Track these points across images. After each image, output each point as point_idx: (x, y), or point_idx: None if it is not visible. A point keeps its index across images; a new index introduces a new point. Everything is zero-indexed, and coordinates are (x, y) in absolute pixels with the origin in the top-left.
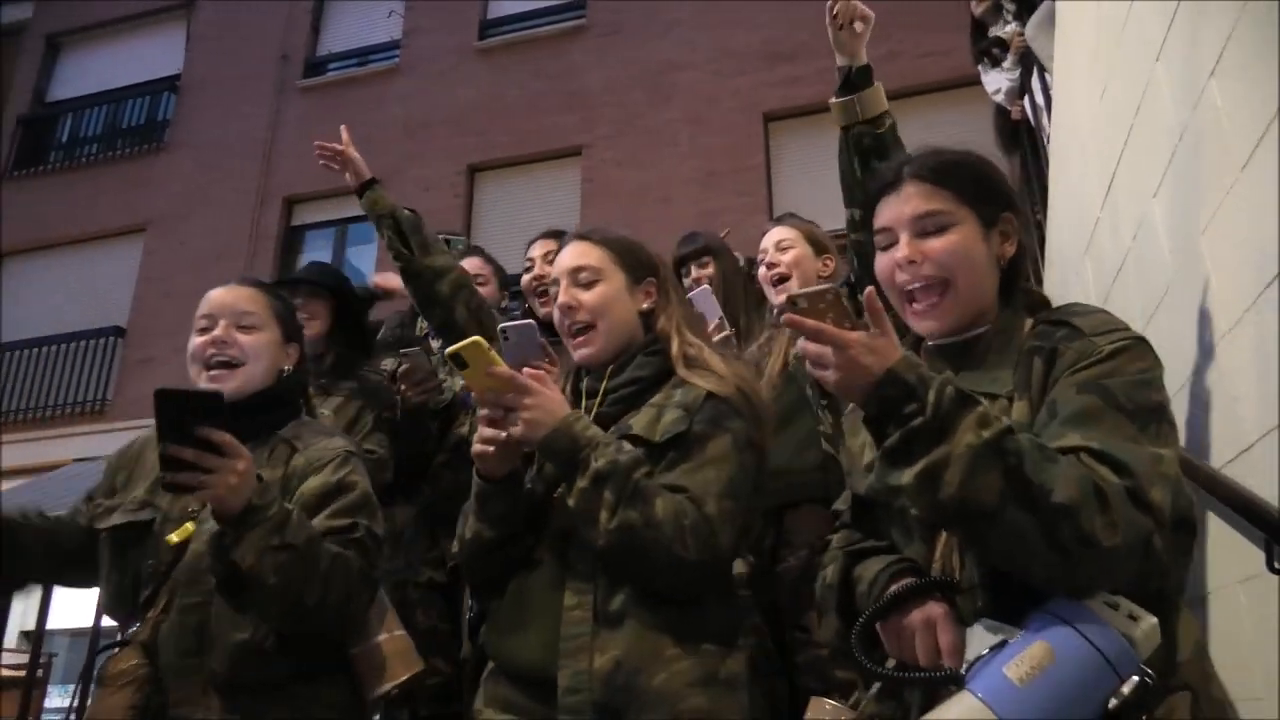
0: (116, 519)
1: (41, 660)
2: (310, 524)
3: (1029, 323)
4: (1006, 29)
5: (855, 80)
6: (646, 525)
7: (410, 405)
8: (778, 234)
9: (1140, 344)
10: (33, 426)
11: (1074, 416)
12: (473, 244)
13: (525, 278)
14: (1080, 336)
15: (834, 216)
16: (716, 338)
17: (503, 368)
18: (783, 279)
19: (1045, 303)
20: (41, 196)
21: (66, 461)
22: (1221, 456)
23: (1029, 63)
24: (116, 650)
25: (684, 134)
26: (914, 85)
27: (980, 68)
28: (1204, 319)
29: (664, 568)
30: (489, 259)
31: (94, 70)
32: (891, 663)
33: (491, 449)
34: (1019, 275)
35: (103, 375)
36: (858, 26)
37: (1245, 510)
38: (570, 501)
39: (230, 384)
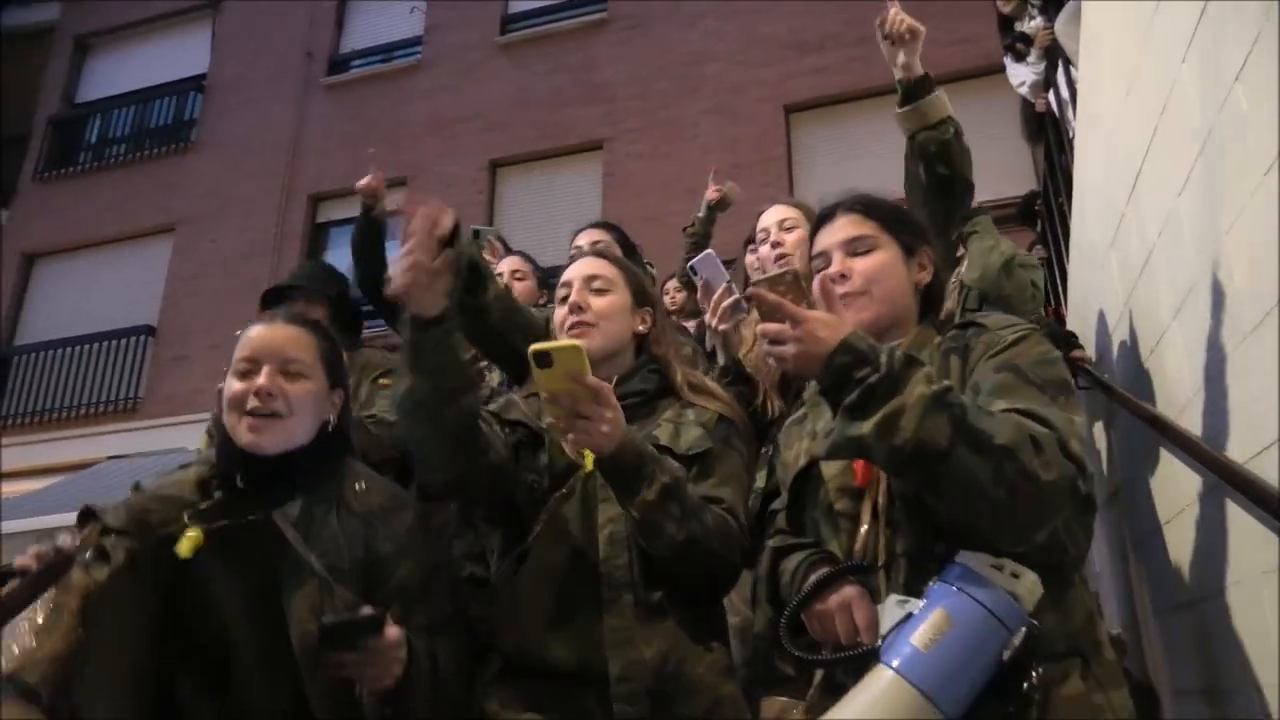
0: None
1: None
2: (444, 649)
3: (937, 338)
4: (1031, 24)
5: (913, 90)
6: (705, 535)
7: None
8: (779, 212)
9: (1037, 332)
10: (67, 425)
11: (995, 389)
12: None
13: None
14: (986, 331)
15: None
16: (726, 302)
17: (592, 377)
18: (783, 257)
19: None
20: (71, 198)
21: (101, 459)
22: (1243, 452)
23: (1054, 57)
24: None
25: (707, 126)
26: (943, 73)
27: (1006, 60)
28: (1228, 317)
29: (714, 571)
30: (528, 257)
31: (121, 71)
32: (822, 653)
33: (421, 281)
34: (936, 301)
35: (134, 374)
36: (908, 39)
37: (1267, 504)
38: (634, 512)
39: (272, 438)
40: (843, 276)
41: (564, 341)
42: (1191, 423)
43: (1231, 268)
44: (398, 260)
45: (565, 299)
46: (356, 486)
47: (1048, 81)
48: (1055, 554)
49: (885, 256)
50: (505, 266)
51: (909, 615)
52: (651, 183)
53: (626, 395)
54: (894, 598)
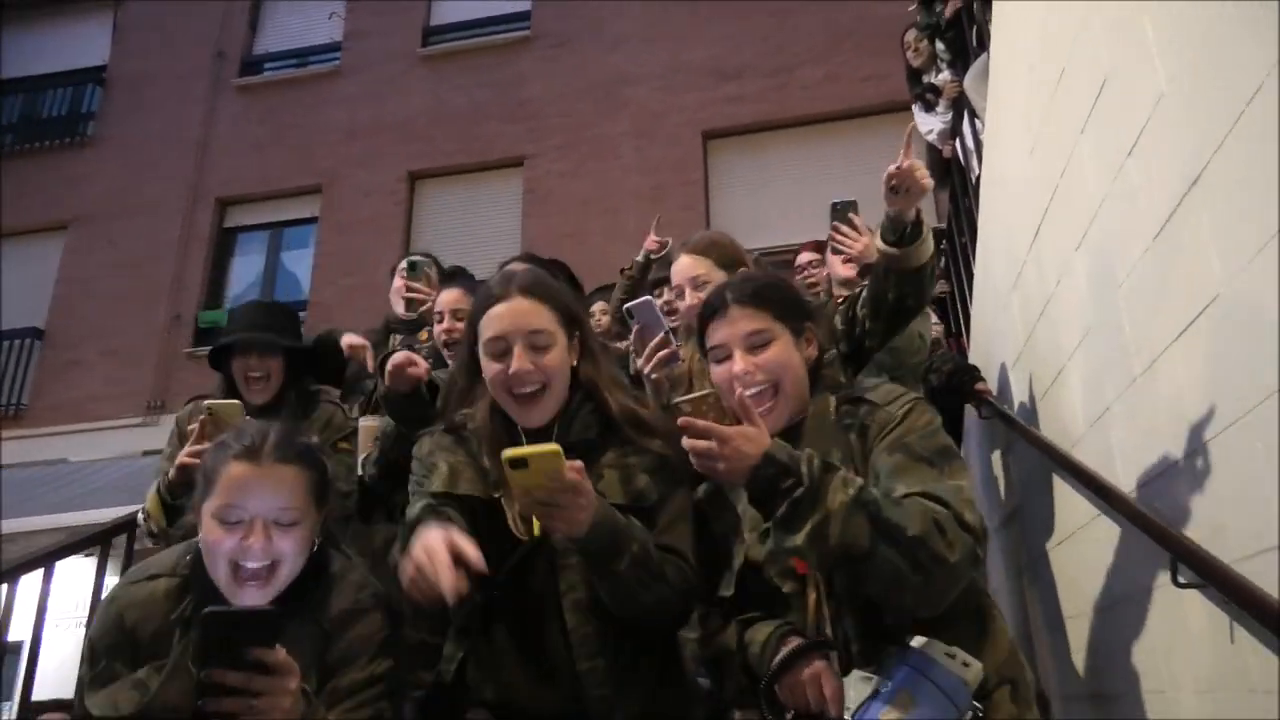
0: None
1: None
2: None
3: (832, 401)
4: (940, 76)
5: (908, 237)
6: (670, 594)
7: (384, 391)
8: (689, 267)
9: (920, 402)
10: None
11: (892, 471)
12: (444, 262)
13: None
14: (877, 408)
15: (767, 232)
16: (662, 352)
17: (568, 474)
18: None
19: (836, 380)
20: None
21: None
22: (1130, 483)
23: (960, 107)
24: None
25: (628, 147)
26: (852, 108)
27: (915, 108)
28: (1118, 362)
29: (676, 621)
30: (471, 289)
31: (11, 57)
32: (790, 715)
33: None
34: (820, 366)
35: (19, 378)
36: (915, 192)
37: (1153, 531)
38: (606, 584)
39: (269, 591)
40: (748, 373)
41: (540, 447)
42: (1084, 454)
43: (1122, 319)
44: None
45: (500, 354)
46: (333, 593)
47: (954, 130)
48: (972, 599)
49: (782, 345)
50: (445, 304)
51: (876, 691)
52: (571, 201)
53: (570, 445)
54: (857, 673)
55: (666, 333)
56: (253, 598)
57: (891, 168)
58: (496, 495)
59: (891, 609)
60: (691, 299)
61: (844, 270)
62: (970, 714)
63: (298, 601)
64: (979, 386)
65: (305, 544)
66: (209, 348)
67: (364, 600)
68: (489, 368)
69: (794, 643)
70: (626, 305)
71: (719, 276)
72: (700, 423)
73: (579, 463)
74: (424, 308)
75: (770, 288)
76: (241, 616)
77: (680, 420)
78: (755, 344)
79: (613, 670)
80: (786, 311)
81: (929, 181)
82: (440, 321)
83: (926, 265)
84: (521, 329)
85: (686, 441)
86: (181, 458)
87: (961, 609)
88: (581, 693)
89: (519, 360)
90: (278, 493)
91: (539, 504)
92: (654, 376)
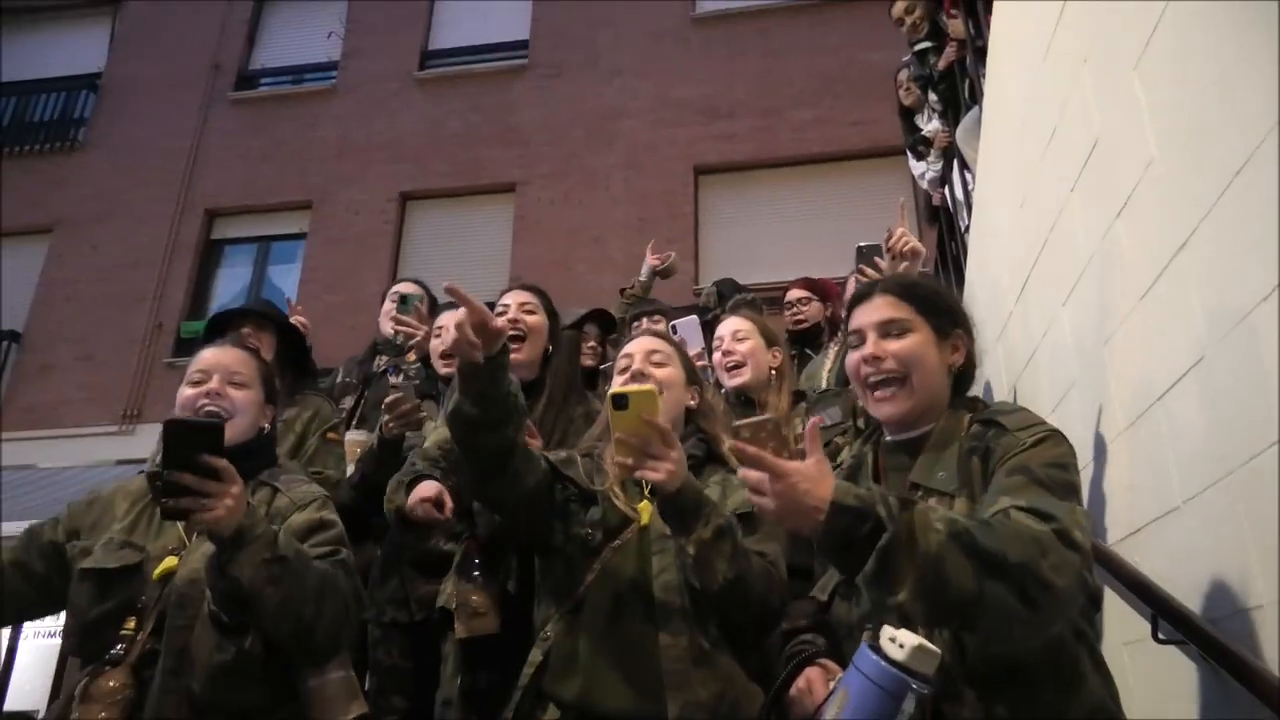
0: (103, 561)
1: None
2: (298, 544)
3: (967, 419)
4: (930, 126)
5: None
6: (752, 577)
7: (389, 434)
8: (735, 324)
9: (1055, 434)
10: None
11: (1002, 489)
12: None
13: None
14: (1007, 433)
15: (754, 269)
16: (698, 364)
17: (660, 421)
18: (738, 365)
19: (983, 406)
20: None
21: None
22: (1115, 535)
23: (950, 156)
24: (104, 668)
25: (619, 179)
26: (840, 151)
27: (908, 154)
28: (1104, 415)
29: (759, 614)
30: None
31: (5, 59)
32: None
33: (474, 340)
34: (967, 382)
35: None
36: (916, 258)
37: (1135, 587)
38: (690, 549)
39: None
40: (876, 359)
41: (640, 385)
42: None
43: (1108, 376)
44: (453, 331)
45: (624, 369)
46: (277, 483)
47: (944, 178)
48: (1053, 641)
49: (919, 339)
50: (447, 321)
51: (831, 692)
52: (561, 229)
53: None
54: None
55: (702, 349)
56: None
57: (890, 235)
58: (602, 487)
59: (993, 652)
60: (730, 346)
61: None
62: (913, 696)
63: (250, 462)
64: None
65: (252, 407)
66: (189, 358)
67: (307, 479)
68: (615, 381)
69: (798, 655)
70: (673, 321)
71: (759, 341)
72: (751, 450)
73: (671, 429)
74: (413, 342)
75: (923, 285)
76: (192, 425)
77: (732, 444)
78: (890, 332)
79: (692, 649)
80: (933, 310)
81: (923, 249)
82: (437, 336)
83: None
84: (643, 349)
85: (741, 472)
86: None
87: (1049, 664)
88: (656, 680)
89: (638, 362)
90: (232, 360)
91: (635, 452)
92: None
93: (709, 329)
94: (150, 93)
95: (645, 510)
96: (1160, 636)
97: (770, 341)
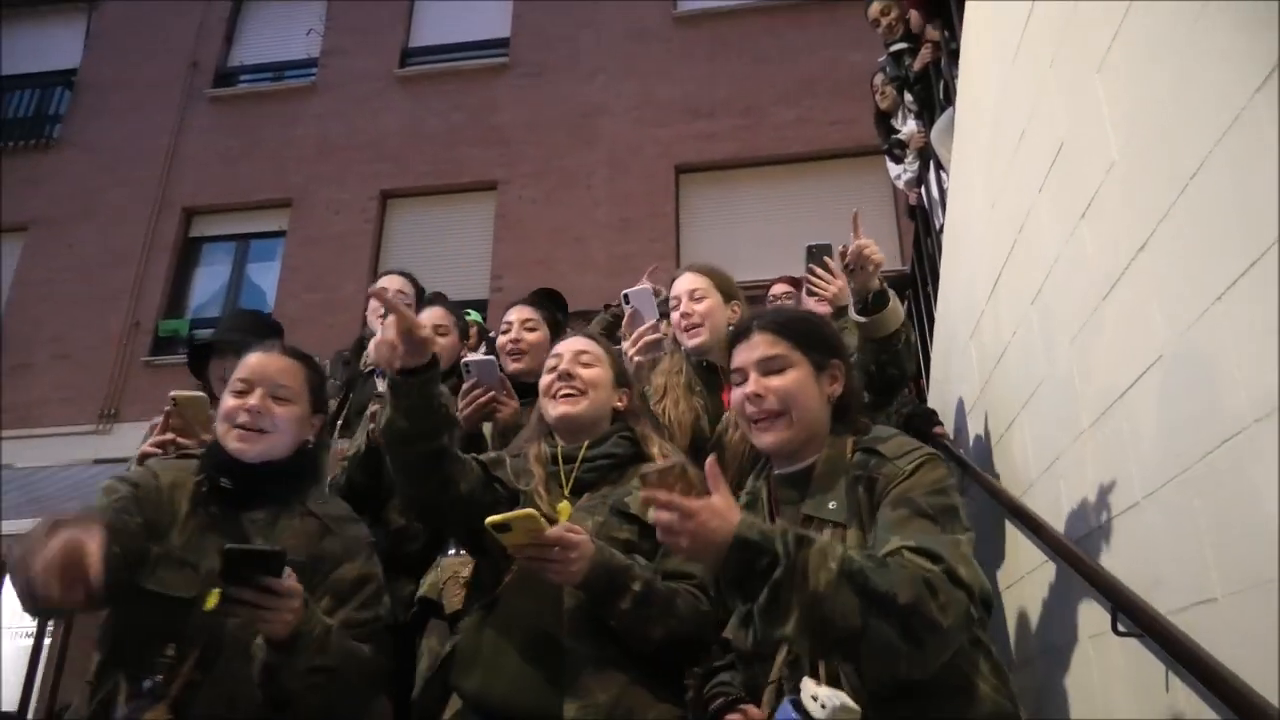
0: (169, 587)
1: None
2: (345, 639)
3: (850, 443)
4: (906, 128)
5: (870, 306)
6: (681, 626)
7: (375, 441)
8: (689, 281)
9: (932, 459)
10: None
11: (891, 526)
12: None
13: (503, 339)
14: (887, 462)
15: (736, 267)
16: (650, 337)
17: (548, 532)
18: (695, 326)
19: (866, 427)
20: None
21: None
22: (1076, 532)
23: (926, 157)
24: (146, 703)
25: (600, 178)
26: (821, 150)
27: (885, 157)
28: (1069, 414)
29: (695, 649)
30: (451, 309)
31: None
32: None
33: (398, 346)
34: (848, 409)
35: None
36: (869, 268)
37: (1096, 581)
38: (613, 622)
39: (256, 447)
40: (758, 396)
41: (518, 512)
42: (1035, 501)
43: (1073, 372)
44: (378, 337)
45: (553, 368)
46: (321, 498)
47: (920, 178)
48: (953, 666)
49: (798, 375)
50: (428, 320)
51: None
52: (542, 228)
53: (597, 458)
54: None
55: (656, 321)
56: (243, 449)
57: (844, 248)
58: (526, 488)
59: (880, 680)
60: (687, 307)
61: (816, 309)
62: None
63: (291, 482)
64: (936, 430)
65: (295, 425)
66: (168, 356)
67: (353, 514)
68: (543, 381)
69: (717, 702)
70: (625, 291)
71: (716, 297)
72: (663, 494)
73: (576, 528)
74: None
75: (799, 320)
76: (252, 553)
77: (643, 493)
78: (770, 369)
79: (597, 655)
80: (810, 344)
81: (881, 256)
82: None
83: (898, 333)
84: (572, 349)
85: (651, 514)
86: (144, 447)
87: (943, 681)
88: (559, 675)
89: (565, 363)
90: (279, 372)
91: (531, 560)
92: (637, 359)
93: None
94: (127, 90)
95: (565, 512)
96: (1120, 629)
97: (728, 296)
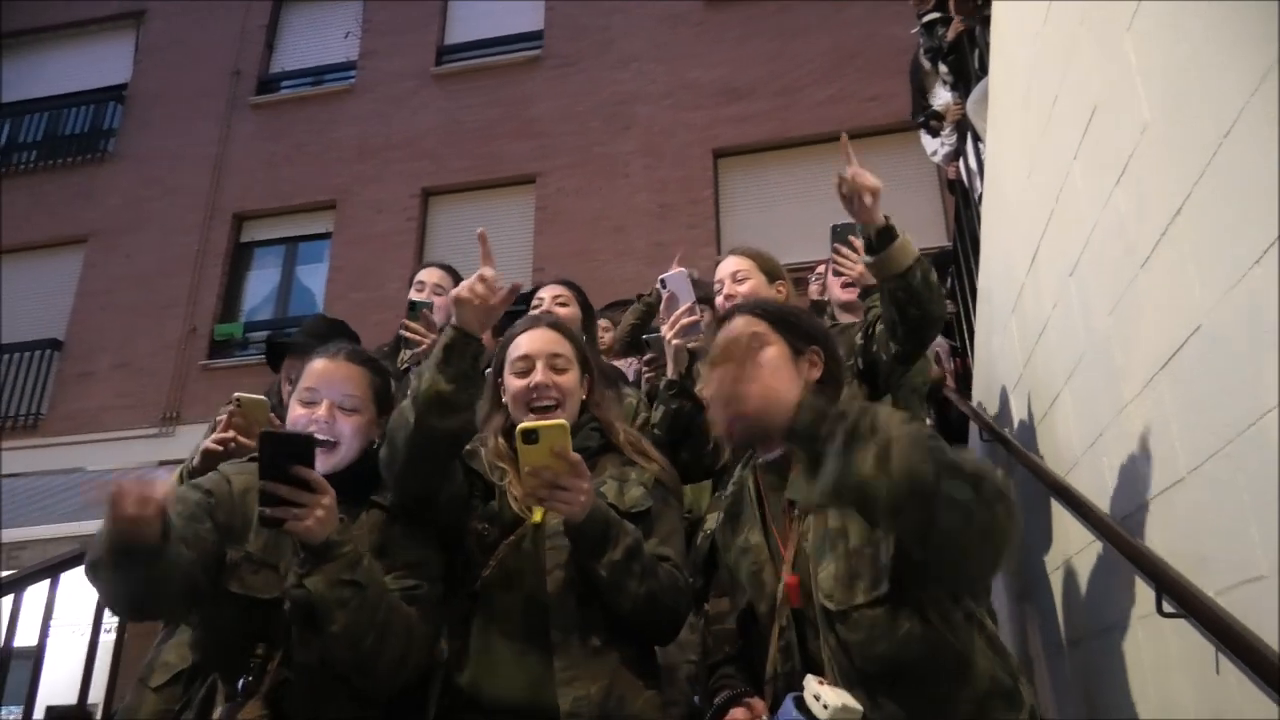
0: (254, 589)
1: None
2: (380, 573)
3: None
4: (941, 100)
5: (876, 244)
6: (661, 591)
7: None
8: (733, 264)
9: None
10: None
11: None
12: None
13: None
14: None
15: (778, 250)
16: (686, 320)
17: (572, 452)
18: None
19: None
20: None
21: None
22: (1122, 510)
23: (963, 129)
24: (240, 701)
25: (637, 165)
26: (859, 127)
27: (921, 132)
28: (1110, 387)
29: (669, 622)
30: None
31: (36, 76)
32: None
33: (491, 300)
34: (827, 390)
35: (37, 389)
36: (866, 199)
37: (1139, 562)
38: (602, 572)
39: (326, 462)
40: None
41: (551, 420)
42: (1079, 479)
43: (1113, 346)
44: (471, 283)
45: (523, 372)
46: (386, 502)
47: (957, 151)
48: (946, 643)
49: (772, 353)
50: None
51: None
52: (581, 218)
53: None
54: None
55: (693, 303)
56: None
57: (836, 180)
58: (501, 482)
59: (953, 563)
60: (730, 290)
61: (843, 294)
62: None
63: (359, 484)
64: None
65: (363, 432)
66: (224, 360)
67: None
68: (513, 385)
69: (721, 695)
70: (661, 276)
71: (760, 278)
72: (735, 353)
73: (583, 460)
74: (418, 351)
75: (779, 306)
76: (284, 437)
77: (711, 355)
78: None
79: (585, 645)
80: (787, 328)
81: (875, 183)
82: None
83: (913, 269)
84: (545, 351)
85: (713, 382)
86: (206, 444)
87: (937, 662)
88: (549, 667)
89: (540, 374)
90: (345, 381)
91: (544, 485)
92: (675, 343)
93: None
94: (175, 101)
95: (539, 512)
96: (1165, 609)
97: (772, 276)
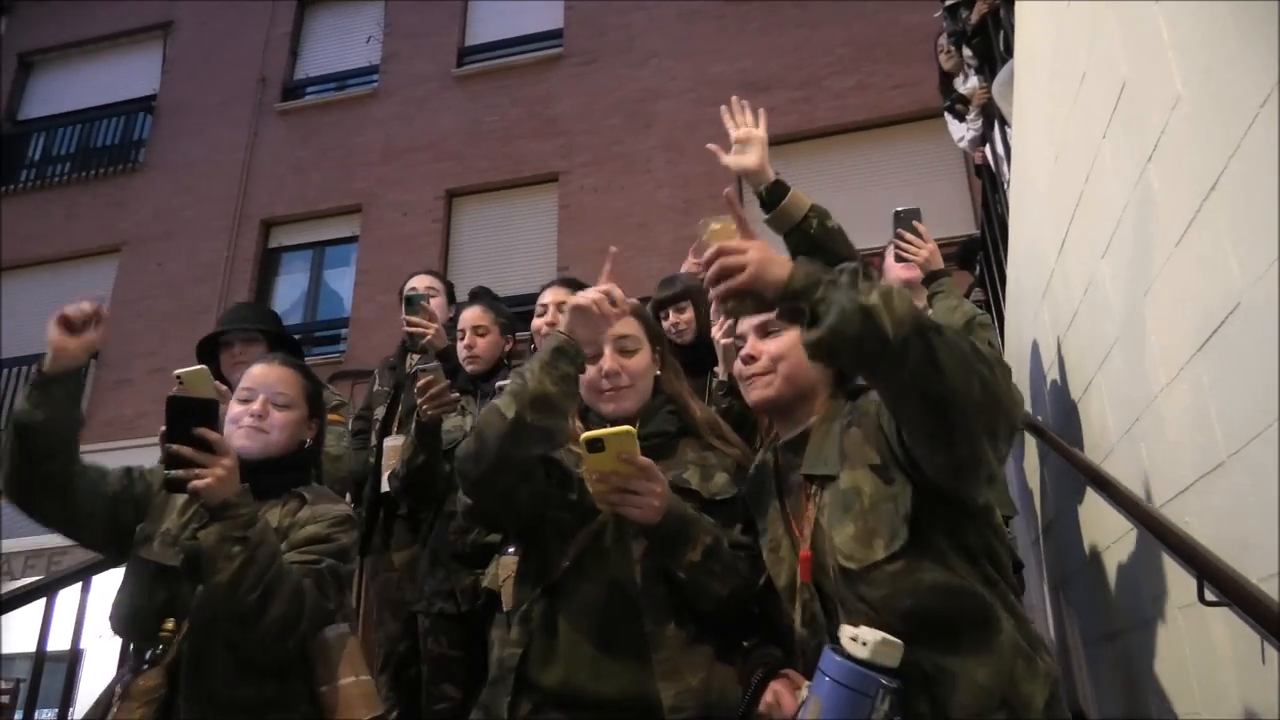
0: (162, 557)
1: (8, 686)
2: (275, 538)
3: (848, 405)
4: (968, 84)
5: (769, 200)
6: (745, 585)
7: (426, 419)
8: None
9: None
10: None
11: None
12: (477, 287)
13: (538, 321)
14: (868, 391)
15: None
16: (724, 341)
17: (643, 458)
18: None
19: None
20: (13, 216)
21: None
22: (1160, 497)
23: (990, 114)
24: (145, 669)
25: (660, 161)
26: (883, 116)
27: (946, 117)
28: (1145, 371)
29: (754, 617)
30: (491, 306)
31: (67, 89)
32: None
33: (610, 317)
34: (847, 374)
35: None
36: (752, 157)
37: (1179, 549)
38: (680, 574)
39: (257, 444)
40: (752, 358)
41: (615, 429)
42: (1115, 467)
43: (1147, 329)
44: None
45: (595, 358)
46: (314, 490)
47: (984, 137)
48: (973, 601)
49: (793, 336)
50: (466, 322)
51: (803, 703)
52: (605, 216)
53: (649, 436)
54: (800, 690)
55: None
56: (244, 446)
57: (735, 134)
58: (579, 468)
59: (957, 423)
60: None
61: (905, 273)
62: (881, 694)
63: (287, 474)
64: None
65: (293, 428)
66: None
67: (337, 500)
68: (585, 375)
69: (758, 673)
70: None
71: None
72: (727, 241)
73: (654, 463)
74: (425, 340)
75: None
76: (188, 401)
77: (708, 232)
78: (766, 331)
79: (679, 636)
80: None
81: (759, 133)
82: (461, 339)
83: (808, 217)
84: (612, 334)
85: (713, 257)
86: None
87: (962, 613)
88: (646, 660)
89: (609, 360)
90: (278, 380)
91: (613, 490)
92: (724, 342)
93: None
94: (202, 110)
95: None
96: (1207, 598)
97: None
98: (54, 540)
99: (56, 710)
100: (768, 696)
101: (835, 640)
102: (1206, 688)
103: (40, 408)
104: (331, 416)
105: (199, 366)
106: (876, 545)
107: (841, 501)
